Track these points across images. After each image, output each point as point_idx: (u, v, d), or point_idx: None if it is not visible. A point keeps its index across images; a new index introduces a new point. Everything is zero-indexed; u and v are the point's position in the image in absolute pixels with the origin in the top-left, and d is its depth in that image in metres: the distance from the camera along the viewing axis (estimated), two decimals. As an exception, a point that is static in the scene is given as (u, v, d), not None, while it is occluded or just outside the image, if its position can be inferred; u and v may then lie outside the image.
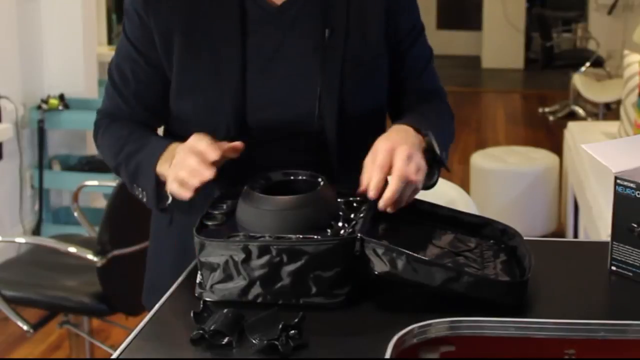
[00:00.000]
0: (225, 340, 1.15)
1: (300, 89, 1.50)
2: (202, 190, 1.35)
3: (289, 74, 1.50)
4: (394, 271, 1.24)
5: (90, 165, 4.52)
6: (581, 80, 7.17)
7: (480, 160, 4.90)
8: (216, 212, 1.38)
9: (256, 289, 1.26)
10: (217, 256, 1.27)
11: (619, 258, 1.43)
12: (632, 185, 1.40)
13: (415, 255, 1.26)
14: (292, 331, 1.15)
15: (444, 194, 2.06)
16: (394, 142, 1.36)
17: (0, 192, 4.31)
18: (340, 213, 1.36)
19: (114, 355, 1.17)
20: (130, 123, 1.57)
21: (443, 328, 1.24)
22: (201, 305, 1.21)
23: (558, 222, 4.82)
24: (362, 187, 1.35)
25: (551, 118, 7.86)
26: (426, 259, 1.27)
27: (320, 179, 1.36)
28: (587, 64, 7.67)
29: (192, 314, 1.19)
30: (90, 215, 3.45)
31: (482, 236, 1.45)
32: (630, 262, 1.41)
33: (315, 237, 1.27)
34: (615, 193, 1.42)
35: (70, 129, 4.65)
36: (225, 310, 1.20)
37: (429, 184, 1.46)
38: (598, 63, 7.78)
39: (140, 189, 1.50)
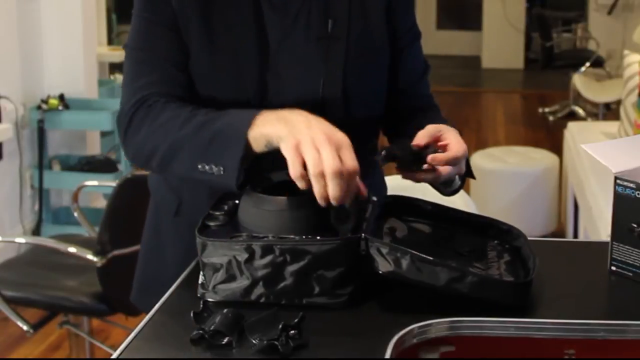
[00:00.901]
0: (225, 340, 1.15)
1: (305, 78, 1.52)
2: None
3: (294, 64, 1.52)
4: (398, 271, 1.25)
5: (90, 165, 4.53)
6: (581, 80, 7.17)
7: (480, 160, 4.90)
8: (218, 212, 1.38)
9: (259, 289, 1.26)
10: (219, 256, 1.27)
11: (619, 258, 1.43)
12: (632, 185, 1.40)
13: (420, 255, 1.26)
14: (292, 331, 1.15)
15: (444, 194, 2.06)
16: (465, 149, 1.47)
17: (0, 192, 4.31)
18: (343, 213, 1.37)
19: (114, 355, 1.17)
20: (182, 104, 1.44)
21: (443, 328, 1.24)
22: (201, 305, 1.21)
23: (558, 222, 4.82)
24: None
25: (551, 118, 7.86)
26: (430, 258, 1.27)
27: None
28: (587, 64, 7.67)
29: (192, 314, 1.19)
30: (90, 215, 3.45)
31: (487, 236, 1.45)
32: (630, 262, 1.41)
33: (318, 237, 1.27)
34: (615, 193, 1.42)
35: (70, 129, 4.65)
36: (225, 310, 1.20)
37: (451, 190, 1.55)
38: (598, 63, 7.78)
39: (214, 164, 1.33)
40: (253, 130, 1.30)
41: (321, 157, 1.23)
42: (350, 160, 1.24)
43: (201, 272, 1.31)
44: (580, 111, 7.70)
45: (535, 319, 1.25)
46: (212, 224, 1.35)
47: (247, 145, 1.30)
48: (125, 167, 4.53)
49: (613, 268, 1.44)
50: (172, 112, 1.41)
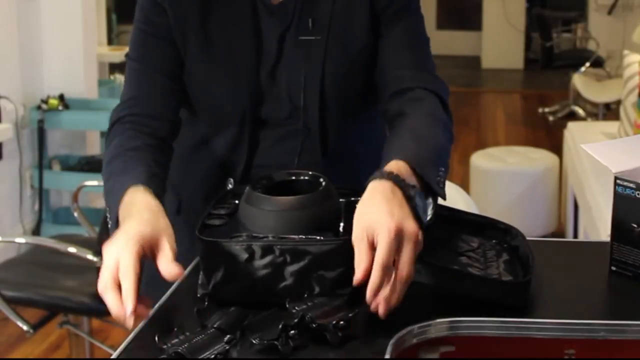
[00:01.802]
0: (227, 338, 1.15)
1: (292, 78, 1.55)
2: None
3: (287, 67, 1.55)
4: None
5: (90, 166, 4.53)
6: (581, 81, 7.17)
7: (480, 160, 4.90)
8: (218, 212, 1.38)
9: (259, 289, 1.26)
10: (219, 256, 1.27)
11: (619, 258, 1.43)
12: (632, 185, 1.40)
13: (418, 255, 1.26)
14: (292, 331, 1.15)
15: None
16: (372, 222, 1.18)
17: (0, 192, 4.31)
18: (342, 213, 1.37)
19: (114, 355, 1.17)
20: (138, 133, 1.51)
21: (443, 328, 1.24)
22: (205, 303, 1.20)
23: (558, 222, 4.82)
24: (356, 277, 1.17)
25: (551, 118, 7.87)
26: (429, 259, 1.27)
27: (322, 179, 1.37)
28: (587, 64, 7.67)
29: (195, 311, 1.19)
30: (90, 215, 3.45)
31: (485, 236, 1.45)
32: (630, 262, 1.41)
33: (318, 237, 1.27)
34: (615, 193, 1.42)
35: (70, 129, 4.65)
36: (232, 309, 1.20)
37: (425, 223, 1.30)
38: (598, 63, 7.78)
39: (108, 214, 1.41)
40: (120, 211, 1.32)
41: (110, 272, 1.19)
42: (165, 266, 1.20)
43: (201, 272, 1.31)
44: (580, 111, 7.70)
45: (535, 319, 1.25)
46: (212, 223, 1.35)
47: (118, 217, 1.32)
48: (125, 167, 4.52)
49: (613, 268, 1.44)
50: (114, 148, 1.47)
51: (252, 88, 1.54)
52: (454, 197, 2.06)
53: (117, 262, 1.19)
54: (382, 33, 1.57)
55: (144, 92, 1.55)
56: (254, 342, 1.15)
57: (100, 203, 4.78)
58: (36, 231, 4.49)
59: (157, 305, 1.31)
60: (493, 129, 7.64)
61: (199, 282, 1.31)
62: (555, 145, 5.94)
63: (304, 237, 1.27)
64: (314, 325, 1.16)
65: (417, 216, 1.24)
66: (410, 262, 1.16)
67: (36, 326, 2.79)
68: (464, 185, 4.46)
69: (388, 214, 1.17)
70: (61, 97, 4.48)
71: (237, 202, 1.39)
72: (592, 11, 9.16)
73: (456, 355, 1.27)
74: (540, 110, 8.19)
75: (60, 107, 4.45)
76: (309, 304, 1.21)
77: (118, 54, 5.39)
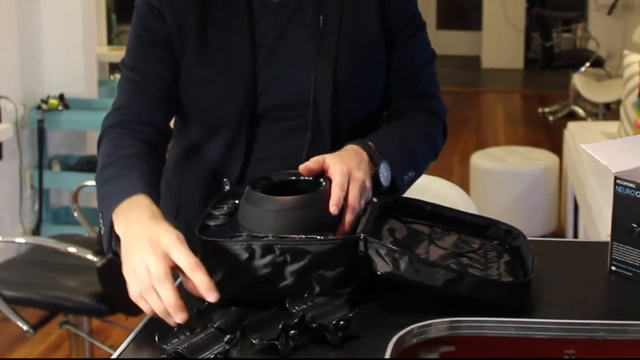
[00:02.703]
0: (227, 338, 1.15)
1: (299, 75, 1.55)
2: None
3: (289, 62, 1.56)
4: (397, 272, 1.24)
5: (90, 165, 4.52)
6: (581, 81, 7.17)
7: (480, 160, 4.90)
8: (217, 212, 1.38)
9: (259, 289, 1.26)
10: (220, 256, 1.27)
11: (619, 258, 1.43)
12: (632, 185, 1.40)
13: (418, 256, 1.26)
14: (292, 331, 1.15)
15: (444, 194, 2.06)
16: (350, 167, 1.36)
17: (0, 192, 4.31)
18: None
19: (114, 355, 1.17)
20: (131, 140, 1.51)
21: (443, 328, 1.24)
22: (205, 302, 1.20)
23: (558, 222, 4.82)
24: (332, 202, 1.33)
25: (551, 118, 7.86)
26: (429, 259, 1.27)
27: (322, 179, 1.37)
28: (587, 64, 7.66)
29: (195, 311, 1.19)
30: (90, 215, 3.44)
31: (486, 237, 1.45)
32: (630, 262, 1.41)
33: (318, 237, 1.27)
34: (615, 193, 1.42)
35: (70, 129, 4.65)
36: (233, 309, 1.20)
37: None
38: (598, 63, 7.78)
39: (101, 218, 1.39)
40: (114, 217, 1.33)
41: (147, 278, 1.21)
42: (184, 257, 1.22)
43: None
44: (580, 111, 7.70)
45: (535, 319, 1.25)
46: (212, 223, 1.35)
47: (112, 225, 1.33)
48: (125, 167, 4.52)
49: (613, 268, 1.44)
50: (106, 155, 1.48)
51: (248, 85, 1.54)
52: (454, 197, 2.06)
53: (148, 268, 1.20)
54: (394, 51, 1.60)
55: (137, 101, 1.57)
56: (254, 342, 1.15)
57: (100, 203, 4.77)
58: (36, 231, 4.49)
59: (157, 305, 1.31)
60: (493, 129, 7.64)
61: (199, 281, 1.31)
62: (555, 145, 5.94)
63: (303, 236, 1.27)
64: (314, 325, 1.16)
65: (378, 180, 1.42)
66: (356, 197, 1.34)
67: (36, 326, 2.78)
68: (464, 185, 4.45)
69: (346, 161, 1.37)
70: (61, 97, 4.48)
71: (236, 202, 1.39)
72: (592, 11, 9.16)
73: (456, 355, 1.27)
74: (540, 110, 8.19)
75: (60, 107, 4.45)
76: (309, 304, 1.21)
77: (118, 54, 5.38)
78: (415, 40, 1.63)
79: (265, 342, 1.14)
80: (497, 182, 4.77)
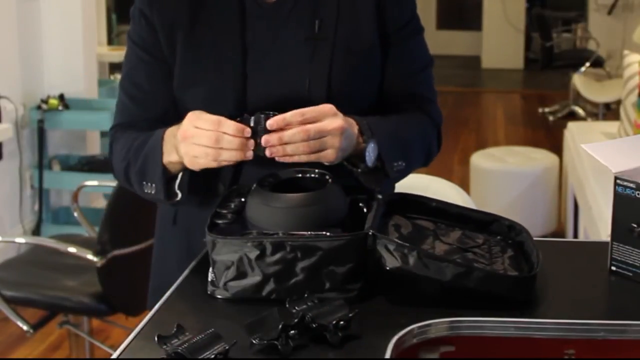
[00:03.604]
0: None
1: (293, 79, 1.54)
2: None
3: (283, 65, 1.55)
4: (406, 267, 1.26)
5: (90, 165, 4.52)
6: (581, 81, 7.17)
7: (480, 160, 4.90)
8: (225, 210, 1.40)
9: (270, 285, 1.28)
10: (230, 253, 1.28)
11: (619, 258, 1.43)
12: (632, 185, 1.40)
13: (427, 251, 1.29)
14: (292, 331, 1.15)
15: (444, 194, 2.06)
16: (335, 112, 1.41)
17: (0, 192, 4.31)
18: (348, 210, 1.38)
19: (114, 355, 1.17)
20: (143, 128, 1.57)
21: (443, 328, 1.25)
22: (174, 329, 1.15)
23: (558, 222, 4.82)
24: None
25: (551, 118, 7.86)
26: (437, 254, 1.28)
27: (327, 177, 1.38)
28: (587, 64, 7.66)
29: (156, 338, 1.12)
30: (90, 215, 3.45)
31: (490, 232, 1.46)
32: (630, 262, 1.41)
33: (326, 233, 1.28)
34: (615, 193, 1.42)
35: (70, 129, 4.65)
36: (208, 331, 1.15)
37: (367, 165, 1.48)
38: (598, 63, 7.77)
39: (150, 184, 1.50)
40: (164, 157, 1.47)
41: (208, 147, 1.37)
42: (231, 128, 1.36)
43: (211, 270, 1.32)
44: (580, 111, 7.70)
45: (535, 319, 1.25)
46: (220, 222, 1.36)
47: (165, 169, 1.48)
48: (125, 167, 4.52)
49: (613, 268, 1.44)
50: (120, 144, 1.59)
51: (238, 87, 1.53)
52: (454, 197, 2.06)
53: (202, 136, 1.37)
54: (390, 54, 1.59)
55: (134, 120, 1.60)
56: (254, 342, 1.15)
57: (100, 203, 4.78)
58: (36, 231, 4.49)
59: (157, 305, 1.31)
60: (493, 129, 7.64)
61: (209, 279, 1.32)
62: (555, 145, 5.94)
63: (313, 233, 1.28)
64: (314, 325, 1.17)
65: (363, 156, 1.44)
66: (307, 118, 1.38)
67: (36, 326, 2.79)
68: (464, 185, 4.45)
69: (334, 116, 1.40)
70: (61, 97, 4.48)
71: (242, 200, 1.41)
72: (592, 11, 9.16)
73: (456, 355, 1.27)
74: (540, 110, 8.19)
75: (60, 107, 4.45)
76: (309, 304, 1.21)
77: (118, 54, 5.38)
78: (412, 43, 1.63)
79: (265, 342, 1.14)
80: (497, 182, 4.77)
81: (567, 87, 7.92)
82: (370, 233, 1.28)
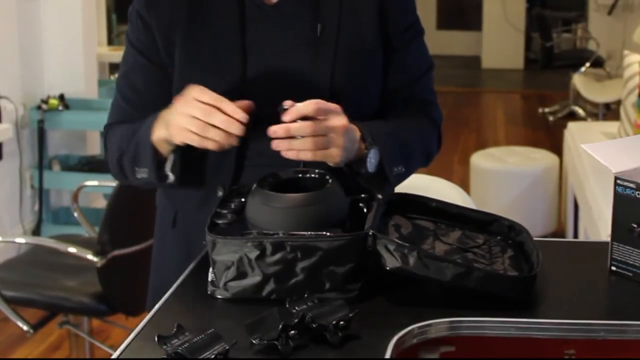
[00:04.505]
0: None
1: (294, 84, 1.53)
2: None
3: (283, 70, 1.54)
4: (406, 267, 1.26)
5: (90, 166, 4.53)
6: (581, 81, 7.17)
7: (480, 160, 4.90)
8: (225, 210, 1.40)
9: (270, 285, 1.28)
10: (230, 254, 1.28)
11: (619, 258, 1.43)
12: (632, 185, 1.40)
13: (427, 251, 1.29)
14: (292, 331, 1.15)
15: (444, 194, 2.06)
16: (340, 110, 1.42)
17: (0, 192, 4.31)
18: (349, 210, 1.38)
19: (114, 355, 1.17)
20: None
21: (443, 328, 1.24)
22: (175, 329, 1.15)
23: (558, 222, 4.82)
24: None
25: (551, 118, 7.86)
26: (437, 254, 1.28)
27: (328, 177, 1.38)
28: (587, 64, 7.66)
29: (156, 338, 1.12)
30: (90, 215, 3.45)
31: (490, 232, 1.46)
32: (630, 262, 1.41)
33: (327, 233, 1.28)
34: (615, 193, 1.42)
35: (70, 129, 4.65)
36: (207, 331, 1.15)
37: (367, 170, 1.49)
38: (598, 63, 7.78)
39: (142, 168, 1.50)
40: (153, 136, 1.47)
41: (198, 119, 1.37)
42: (211, 94, 1.37)
43: (211, 270, 1.32)
44: (580, 111, 7.70)
45: (535, 319, 1.25)
46: (220, 222, 1.36)
47: (155, 149, 1.48)
48: (125, 167, 4.52)
49: (613, 268, 1.44)
50: (114, 137, 1.59)
51: (237, 90, 1.51)
52: (454, 197, 2.07)
53: (191, 113, 1.37)
54: (392, 58, 1.59)
55: (128, 121, 1.60)
56: (254, 342, 1.15)
57: (100, 203, 4.78)
58: (36, 231, 4.49)
59: (157, 306, 1.31)
60: (493, 129, 7.64)
61: (209, 279, 1.32)
62: (555, 145, 5.94)
63: (313, 233, 1.28)
64: (314, 325, 1.17)
65: (364, 163, 1.46)
66: (316, 111, 1.38)
67: (36, 326, 2.79)
68: (464, 185, 4.45)
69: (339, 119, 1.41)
70: (61, 97, 4.48)
71: (242, 200, 1.41)
72: (592, 11, 9.16)
73: (456, 355, 1.27)
74: (540, 110, 8.19)
75: (60, 107, 4.45)
76: (309, 304, 1.21)
77: (118, 54, 5.34)
78: (413, 47, 1.63)
79: (265, 342, 1.14)
80: (497, 182, 4.77)
81: (567, 87, 7.92)
82: (370, 233, 1.28)
